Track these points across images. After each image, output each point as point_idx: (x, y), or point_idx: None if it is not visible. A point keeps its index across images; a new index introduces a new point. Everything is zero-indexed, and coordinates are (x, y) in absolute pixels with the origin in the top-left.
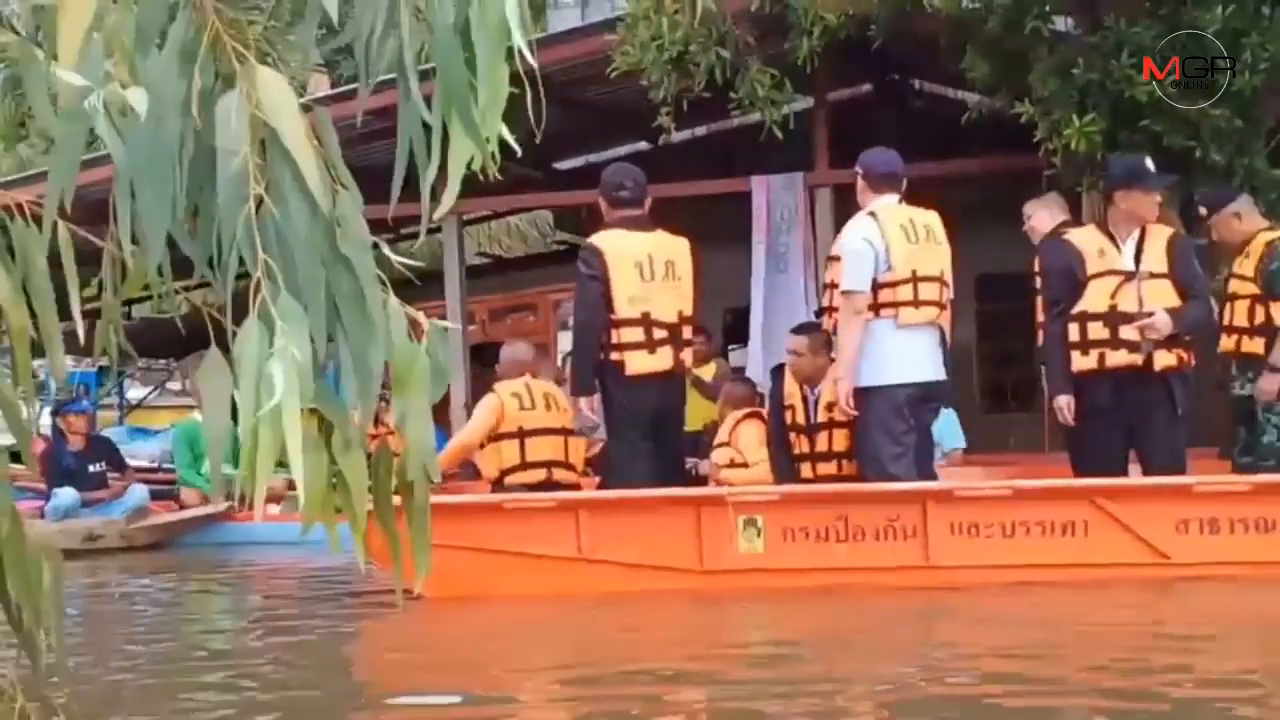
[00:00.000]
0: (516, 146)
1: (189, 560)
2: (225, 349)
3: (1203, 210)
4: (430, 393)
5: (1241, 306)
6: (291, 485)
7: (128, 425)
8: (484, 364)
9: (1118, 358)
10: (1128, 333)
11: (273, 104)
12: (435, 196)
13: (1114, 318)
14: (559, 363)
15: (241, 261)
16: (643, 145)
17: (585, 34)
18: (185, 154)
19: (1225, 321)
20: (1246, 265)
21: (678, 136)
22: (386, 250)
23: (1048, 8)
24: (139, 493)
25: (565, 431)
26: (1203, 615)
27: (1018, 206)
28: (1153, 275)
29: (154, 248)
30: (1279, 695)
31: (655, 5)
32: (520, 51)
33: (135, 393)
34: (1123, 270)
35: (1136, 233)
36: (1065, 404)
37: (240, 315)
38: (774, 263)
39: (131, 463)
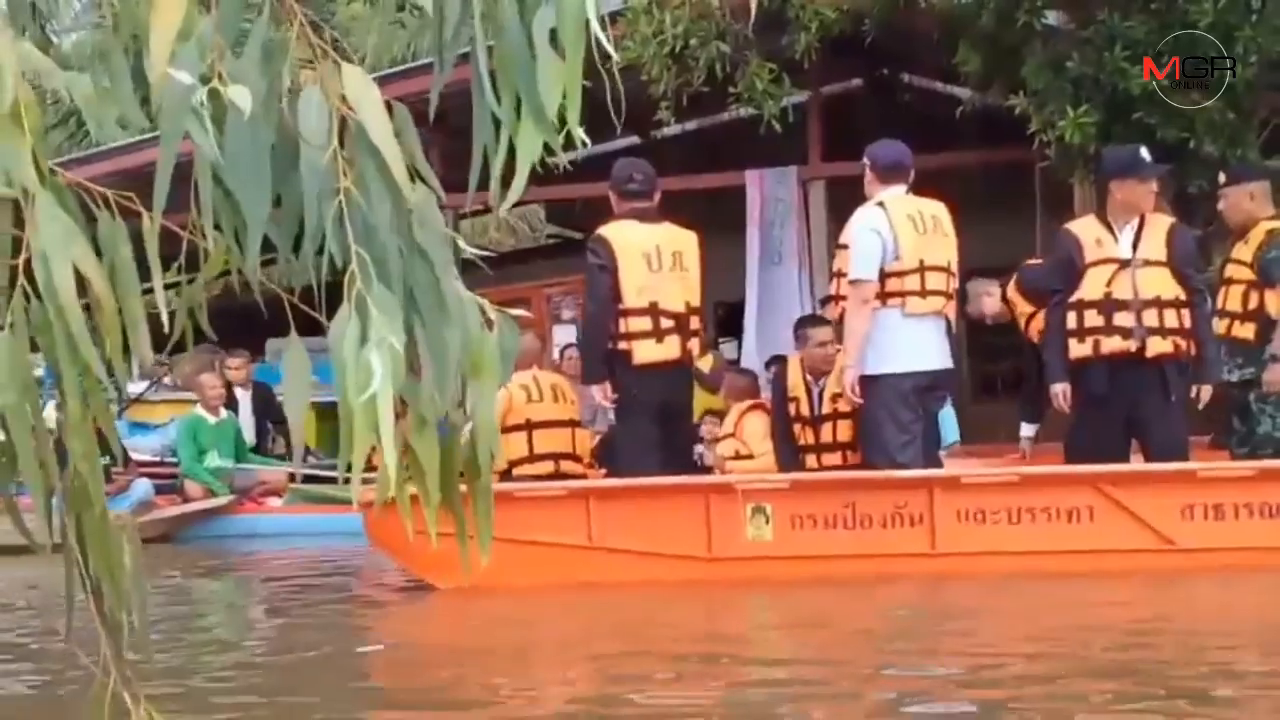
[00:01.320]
0: (587, 140)
1: (194, 553)
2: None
3: (1222, 178)
4: (500, 379)
5: (1236, 291)
6: (293, 478)
7: (127, 420)
8: None
9: (1112, 344)
10: (1121, 319)
11: (358, 99)
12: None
13: (1109, 305)
14: (554, 355)
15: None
16: (635, 140)
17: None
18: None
19: (1219, 305)
20: (1245, 251)
21: (670, 131)
22: (461, 242)
23: (1039, 2)
24: (143, 486)
25: (572, 423)
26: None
27: (1009, 200)
28: (1148, 263)
29: (255, 237)
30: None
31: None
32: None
33: (133, 387)
34: (1119, 258)
35: (1135, 221)
36: (1061, 391)
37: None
38: (768, 256)
39: (133, 457)
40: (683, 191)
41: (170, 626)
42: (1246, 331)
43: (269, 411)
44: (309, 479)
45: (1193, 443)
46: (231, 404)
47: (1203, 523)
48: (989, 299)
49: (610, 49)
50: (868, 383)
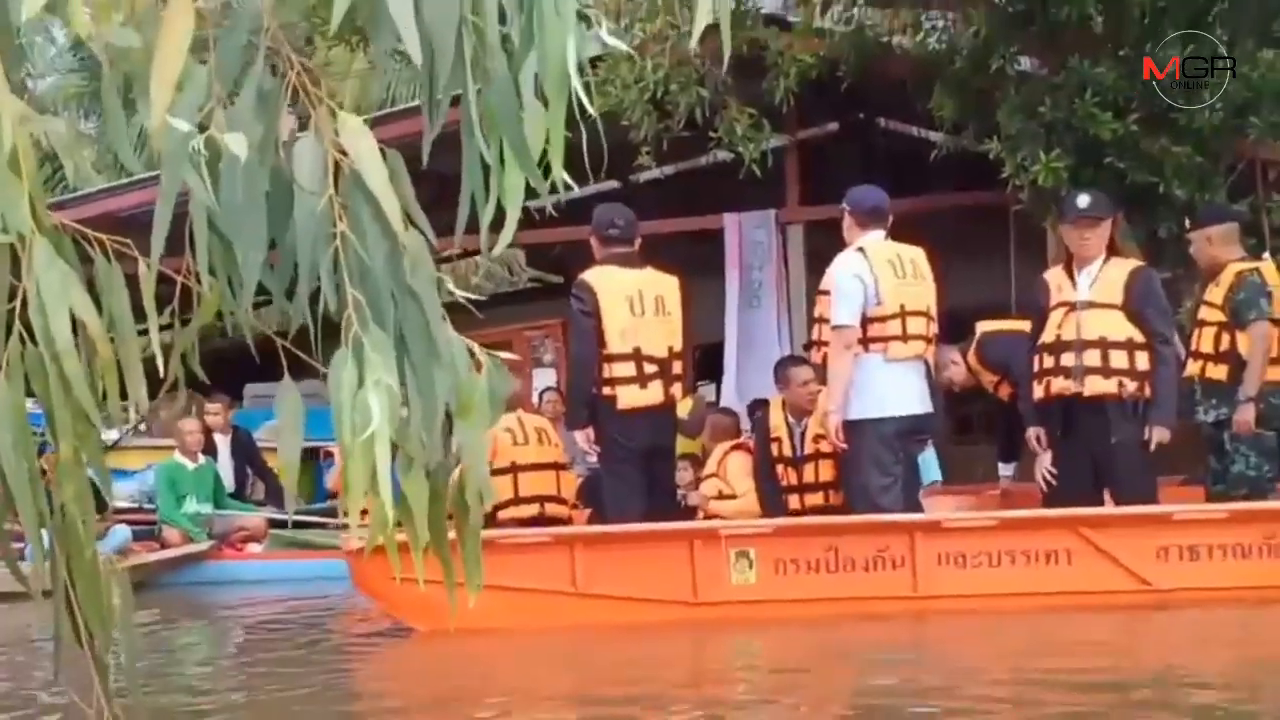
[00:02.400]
0: (572, 184)
1: (173, 600)
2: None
3: (1188, 222)
4: (489, 421)
5: (1209, 333)
6: (272, 524)
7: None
8: None
9: (1058, 385)
10: (1066, 359)
11: (355, 147)
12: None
13: (1058, 347)
14: (534, 399)
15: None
16: (615, 184)
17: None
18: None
19: (1192, 347)
20: (1216, 293)
21: (649, 175)
22: (450, 285)
23: (1013, 48)
24: (121, 533)
25: (557, 466)
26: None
27: (984, 243)
28: (1094, 305)
29: (250, 282)
30: None
31: (639, 46)
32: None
33: (110, 434)
34: (1071, 301)
35: (1096, 264)
36: (1033, 434)
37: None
38: (747, 298)
39: (111, 503)
40: (662, 235)
41: (150, 672)
42: (1219, 372)
43: (248, 457)
44: (284, 524)
45: (1164, 482)
46: (210, 449)
47: (1178, 564)
48: (955, 368)
49: (588, 102)
50: (850, 427)
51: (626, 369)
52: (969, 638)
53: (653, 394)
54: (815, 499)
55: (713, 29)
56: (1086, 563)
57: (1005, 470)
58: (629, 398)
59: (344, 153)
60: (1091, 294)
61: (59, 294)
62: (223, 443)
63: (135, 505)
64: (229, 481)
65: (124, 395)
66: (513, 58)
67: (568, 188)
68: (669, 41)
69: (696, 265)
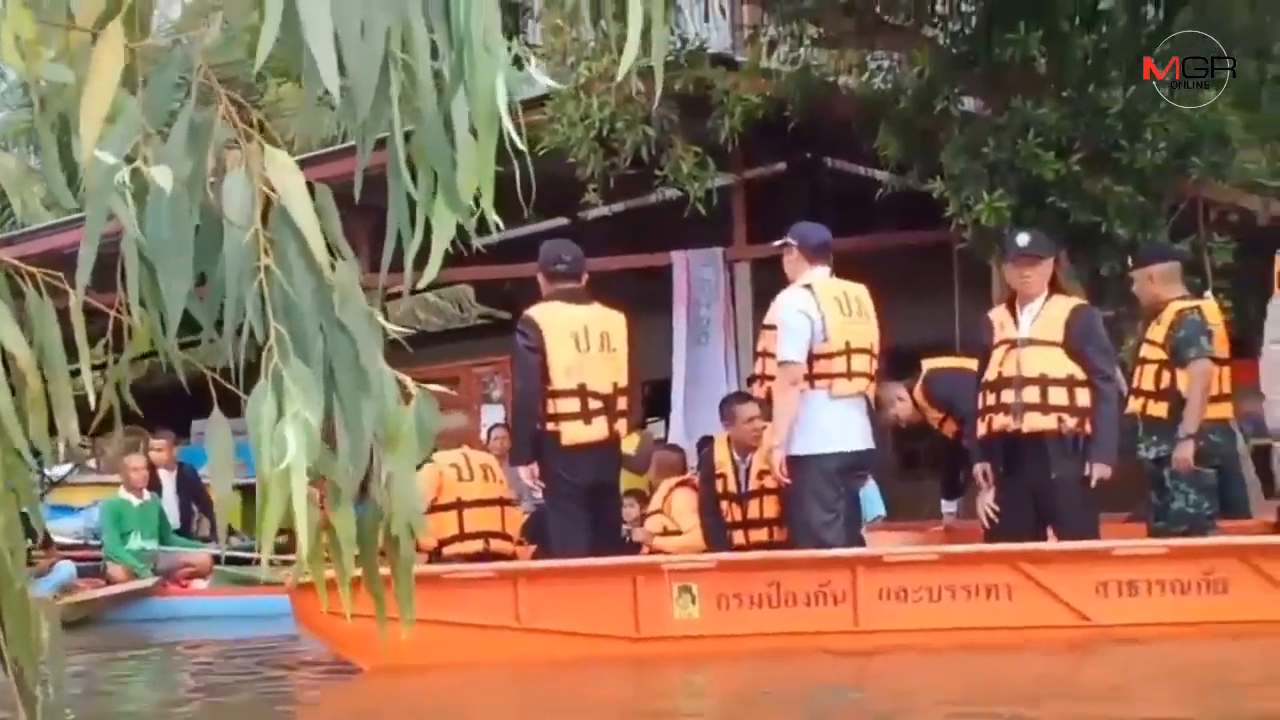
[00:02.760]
0: (500, 223)
1: (117, 636)
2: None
3: (1130, 261)
4: (417, 454)
5: (1150, 371)
6: (217, 560)
7: (49, 503)
8: None
9: (999, 422)
10: (1006, 397)
11: (281, 181)
12: (418, 266)
13: (999, 384)
14: (483, 435)
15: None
16: (563, 221)
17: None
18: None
19: (1134, 384)
20: (1157, 331)
21: (596, 213)
22: (381, 319)
23: (957, 89)
24: (65, 569)
25: (502, 502)
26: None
27: (928, 281)
28: (1034, 342)
29: (174, 314)
30: None
31: (586, 85)
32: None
33: (56, 470)
34: (1012, 339)
35: (1038, 302)
36: (979, 470)
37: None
38: (695, 335)
39: (56, 539)
40: (610, 272)
41: (93, 708)
42: (1160, 410)
43: (193, 493)
44: (233, 560)
45: (1108, 519)
46: (155, 485)
47: (1117, 599)
48: (902, 404)
49: (519, 140)
50: (794, 463)
51: (571, 405)
52: (911, 672)
53: (597, 430)
54: (760, 535)
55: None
56: (1027, 598)
57: (948, 507)
58: (573, 434)
59: (274, 188)
60: (1032, 331)
61: None
62: (168, 479)
63: (81, 541)
64: (174, 518)
65: (54, 430)
66: (443, 95)
67: (498, 226)
68: (615, 80)
69: (644, 302)
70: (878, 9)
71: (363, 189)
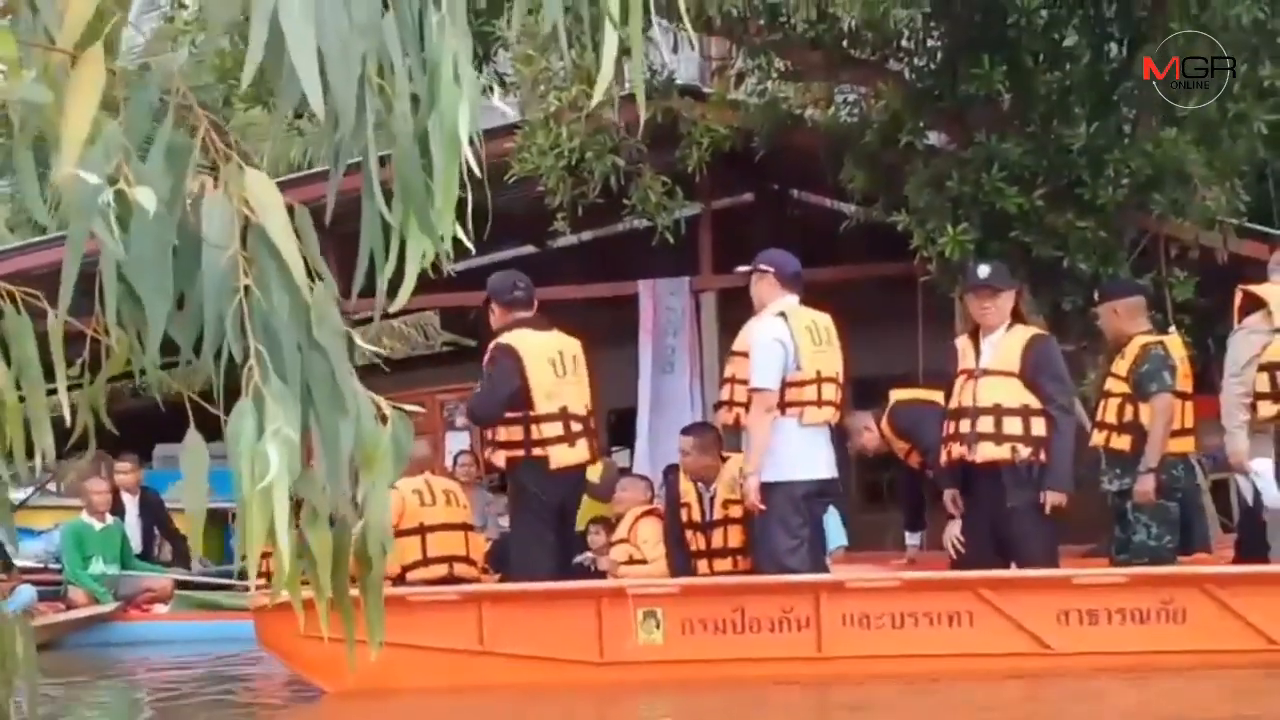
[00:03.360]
0: (470, 244)
1: (78, 660)
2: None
3: (1096, 295)
4: (392, 474)
5: (1113, 404)
6: (180, 585)
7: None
8: None
9: (957, 451)
10: (963, 426)
11: (260, 202)
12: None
13: (958, 413)
14: (448, 461)
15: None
16: (531, 249)
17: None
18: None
19: (1098, 418)
20: (1121, 365)
21: (563, 241)
22: (359, 340)
23: (922, 123)
24: (26, 592)
25: (465, 527)
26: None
27: (893, 312)
28: (989, 373)
29: (155, 334)
30: None
31: (556, 114)
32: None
33: (17, 494)
34: (971, 368)
35: (999, 332)
36: (948, 497)
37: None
38: (660, 364)
39: (16, 563)
40: (576, 300)
41: None
42: (1123, 443)
43: (156, 518)
44: (196, 585)
45: (1069, 551)
46: (118, 509)
47: (1078, 627)
48: (869, 434)
49: (477, 168)
50: (761, 489)
51: (555, 429)
52: (870, 701)
53: (580, 452)
54: (724, 564)
55: (628, 99)
56: (988, 625)
57: (912, 539)
58: (560, 457)
59: (253, 208)
60: (989, 362)
61: None
62: (131, 503)
63: (41, 565)
64: (136, 542)
65: (29, 450)
66: (416, 117)
67: (467, 251)
68: (584, 110)
69: (610, 331)
70: (844, 43)
71: (332, 214)
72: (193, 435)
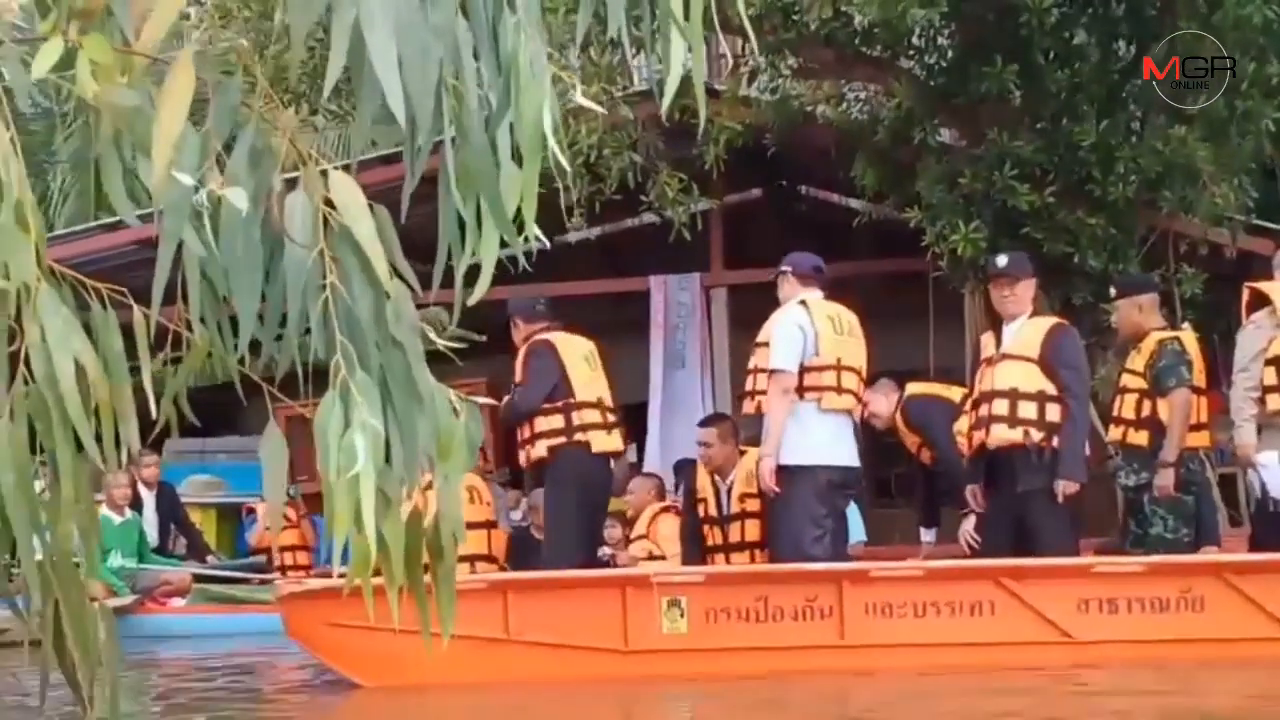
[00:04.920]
0: (546, 242)
1: None
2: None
3: (1113, 291)
4: (466, 464)
5: (1130, 400)
6: (197, 578)
7: None
8: None
9: (977, 437)
10: (982, 411)
11: (344, 201)
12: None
13: (977, 400)
14: None
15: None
16: (540, 244)
17: None
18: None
19: (1114, 413)
20: (1138, 360)
21: (575, 236)
22: (431, 335)
23: (934, 121)
24: None
25: (489, 524)
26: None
27: (903, 308)
28: (1008, 357)
29: (245, 330)
30: None
31: (574, 111)
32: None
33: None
34: (991, 355)
35: (1019, 321)
36: (970, 492)
37: None
38: (672, 360)
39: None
40: (587, 296)
41: None
42: (1140, 438)
43: (172, 512)
44: (211, 579)
45: (1084, 545)
46: (135, 503)
47: (1098, 616)
48: (885, 401)
49: (564, 161)
50: (784, 474)
51: (594, 416)
52: (895, 689)
53: (615, 440)
54: (741, 558)
55: (645, 95)
56: (1009, 614)
57: (927, 536)
58: (601, 443)
59: (330, 206)
60: (1009, 347)
61: (63, 339)
62: (148, 497)
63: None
64: (152, 536)
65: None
66: (490, 119)
67: (540, 242)
68: (603, 106)
69: (621, 326)
70: (856, 41)
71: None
72: (272, 428)
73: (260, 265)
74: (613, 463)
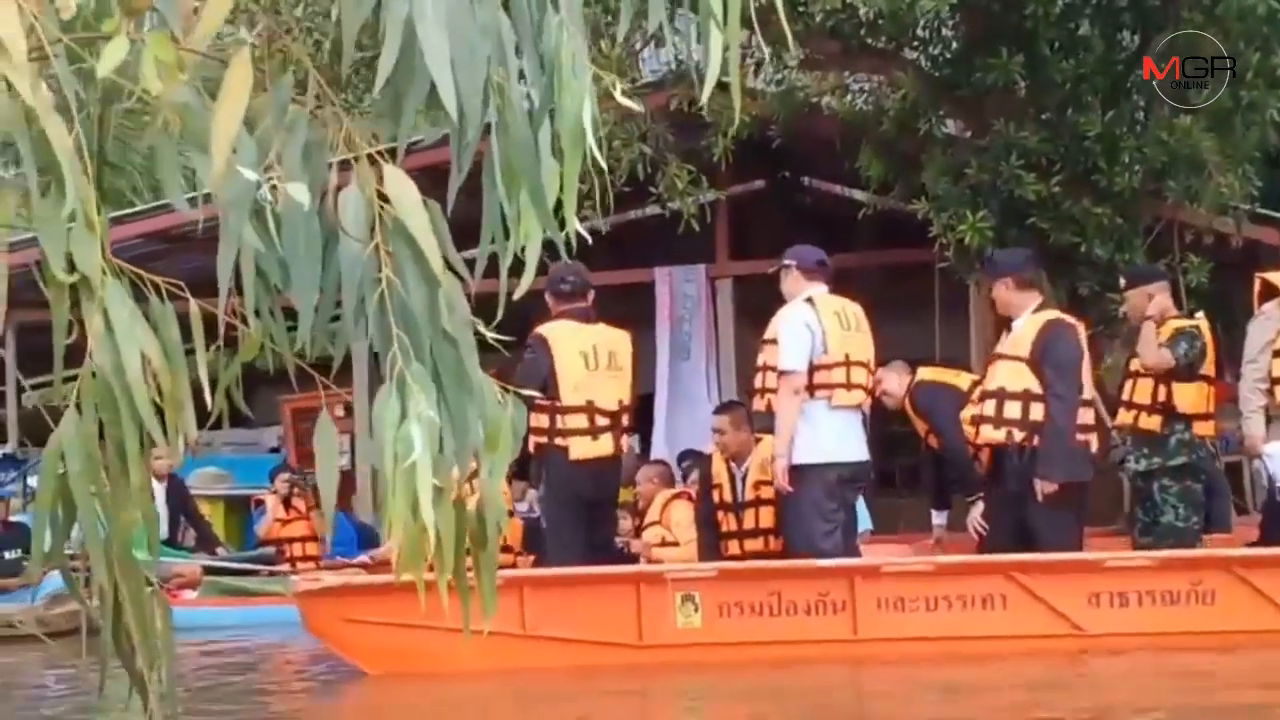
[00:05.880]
0: (587, 235)
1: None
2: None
3: (1123, 281)
4: (511, 453)
5: (1144, 385)
6: (207, 571)
7: (33, 511)
8: None
9: (971, 434)
10: (975, 409)
11: (398, 195)
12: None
13: (980, 397)
14: None
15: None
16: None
17: None
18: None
19: (1125, 398)
20: None
21: (583, 228)
22: (481, 328)
23: (940, 112)
24: (55, 579)
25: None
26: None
27: (907, 299)
28: (1002, 357)
29: (306, 323)
30: None
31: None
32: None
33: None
34: (994, 353)
35: (1019, 319)
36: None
37: None
38: (677, 351)
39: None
40: (593, 287)
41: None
42: (1152, 423)
43: (181, 503)
44: (221, 571)
45: (1091, 533)
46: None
47: (1108, 609)
48: (897, 378)
49: (600, 157)
50: (795, 472)
51: (579, 421)
52: (907, 681)
53: (603, 446)
54: (755, 544)
55: (656, 88)
56: (1021, 607)
57: (938, 519)
58: (580, 449)
59: (383, 200)
60: (1004, 346)
61: (129, 330)
62: (158, 489)
63: (71, 551)
64: (162, 528)
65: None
66: (533, 115)
67: (579, 235)
68: (613, 99)
69: (627, 317)
70: (861, 32)
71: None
72: (325, 418)
73: (318, 259)
74: (620, 462)
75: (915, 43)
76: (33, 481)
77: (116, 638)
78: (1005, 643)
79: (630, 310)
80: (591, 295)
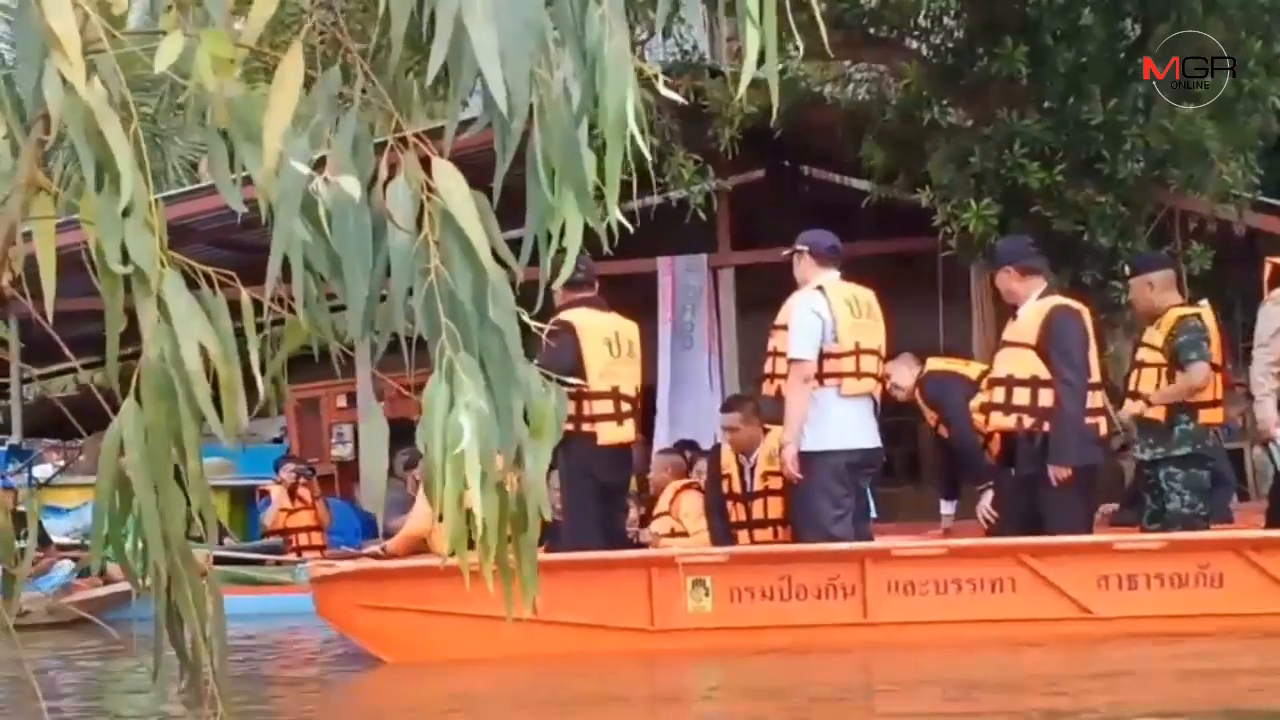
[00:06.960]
0: (630, 225)
1: (118, 634)
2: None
3: (1127, 269)
4: (554, 440)
5: (1149, 374)
6: (215, 560)
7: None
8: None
9: (982, 421)
10: (986, 397)
11: (447, 188)
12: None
13: (990, 385)
14: None
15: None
16: None
17: None
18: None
19: (1131, 387)
20: (1156, 336)
21: None
22: (525, 318)
23: (943, 101)
24: (65, 569)
25: None
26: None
27: (910, 288)
28: (1009, 344)
29: (357, 316)
30: None
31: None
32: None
33: (43, 471)
34: (1003, 340)
35: (1026, 304)
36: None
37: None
38: (680, 340)
39: (55, 539)
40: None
41: (94, 705)
42: (1158, 413)
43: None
44: (226, 561)
45: (1100, 518)
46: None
47: (1117, 592)
48: (906, 371)
49: (645, 148)
50: (804, 459)
51: (606, 407)
52: (918, 665)
53: (627, 431)
54: (764, 535)
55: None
56: (1030, 591)
57: (946, 509)
58: (609, 434)
59: (429, 192)
60: (1010, 334)
61: (187, 321)
62: None
63: (77, 542)
64: None
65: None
66: (575, 106)
67: (621, 226)
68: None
69: (629, 307)
70: (864, 22)
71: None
72: (376, 408)
73: (369, 250)
74: (634, 450)
75: (918, 32)
76: (37, 472)
77: (170, 625)
78: (1015, 626)
79: (632, 299)
80: (597, 285)
